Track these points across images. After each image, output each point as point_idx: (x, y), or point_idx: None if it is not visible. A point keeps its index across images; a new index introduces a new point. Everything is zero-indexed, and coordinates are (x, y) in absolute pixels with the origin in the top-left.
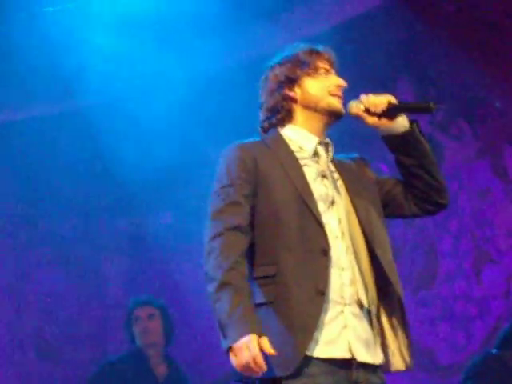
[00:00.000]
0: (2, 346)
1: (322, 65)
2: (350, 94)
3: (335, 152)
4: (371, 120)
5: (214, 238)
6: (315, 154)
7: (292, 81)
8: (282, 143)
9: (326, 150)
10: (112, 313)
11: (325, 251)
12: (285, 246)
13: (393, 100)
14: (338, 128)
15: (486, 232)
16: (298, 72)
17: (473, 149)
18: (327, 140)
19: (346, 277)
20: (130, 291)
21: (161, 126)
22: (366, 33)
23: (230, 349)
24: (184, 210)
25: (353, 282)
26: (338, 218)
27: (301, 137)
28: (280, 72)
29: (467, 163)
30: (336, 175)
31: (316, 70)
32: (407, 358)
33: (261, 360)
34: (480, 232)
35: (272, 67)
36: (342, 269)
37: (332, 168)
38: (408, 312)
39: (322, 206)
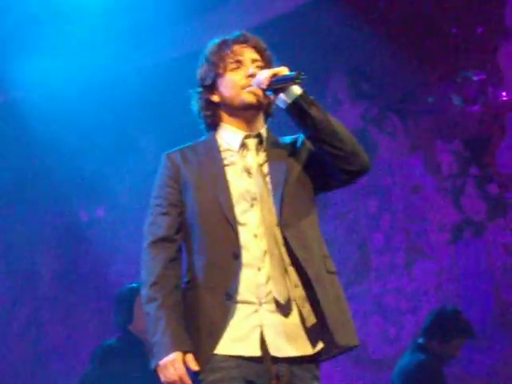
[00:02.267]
0: None
1: (231, 58)
2: None
3: (286, 134)
4: (263, 98)
5: (143, 251)
6: (243, 148)
7: (208, 87)
8: (210, 146)
9: (260, 142)
10: (44, 305)
11: (236, 255)
12: (199, 250)
13: (282, 72)
14: None
15: (419, 227)
16: (210, 75)
17: (405, 144)
18: (260, 131)
19: (263, 276)
20: (62, 284)
21: (96, 120)
22: (299, 28)
23: (157, 366)
24: (116, 204)
25: (269, 281)
26: (259, 216)
27: (229, 134)
28: (199, 77)
29: (400, 158)
30: (266, 168)
31: (225, 68)
32: (345, 335)
33: (187, 378)
34: (412, 227)
35: (197, 70)
36: (259, 268)
37: (263, 160)
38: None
39: (243, 205)
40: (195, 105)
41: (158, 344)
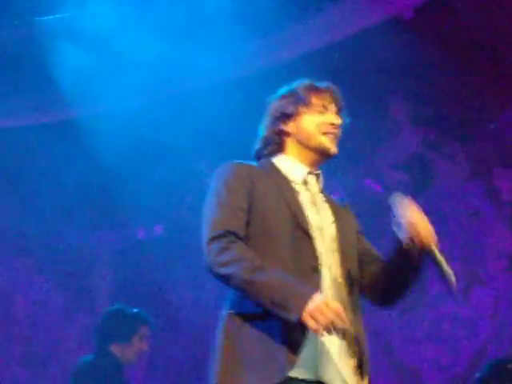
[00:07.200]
0: None
1: (320, 101)
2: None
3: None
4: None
5: (227, 245)
6: (305, 182)
7: (287, 116)
8: (274, 170)
9: (317, 181)
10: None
11: (315, 268)
12: (277, 262)
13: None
14: None
15: (476, 253)
16: (294, 107)
17: (465, 169)
18: (318, 171)
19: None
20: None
21: (153, 140)
22: (361, 52)
23: (301, 316)
24: (175, 223)
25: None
26: (326, 247)
27: (292, 166)
28: (277, 107)
29: (459, 184)
30: (326, 206)
31: (312, 106)
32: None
33: (343, 313)
34: (470, 253)
35: (271, 102)
36: (338, 285)
37: (322, 198)
38: (391, 331)
39: (314, 232)
40: (263, 128)
41: (294, 294)
